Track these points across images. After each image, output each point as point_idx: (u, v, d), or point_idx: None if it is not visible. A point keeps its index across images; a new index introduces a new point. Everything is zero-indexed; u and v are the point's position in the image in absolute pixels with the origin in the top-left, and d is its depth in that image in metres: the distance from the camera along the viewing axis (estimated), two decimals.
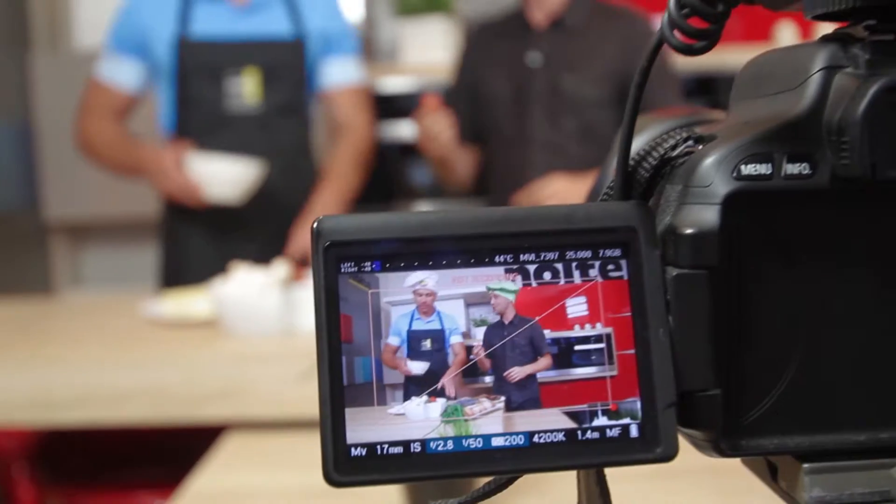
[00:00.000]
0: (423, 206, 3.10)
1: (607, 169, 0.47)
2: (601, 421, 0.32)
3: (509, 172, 2.08)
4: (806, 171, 0.33)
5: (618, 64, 1.99)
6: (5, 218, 3.11)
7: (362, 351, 0.32)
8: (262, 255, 1.95)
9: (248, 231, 2.05)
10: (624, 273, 0.33)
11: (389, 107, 3.08)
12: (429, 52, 3.08)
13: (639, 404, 0.32)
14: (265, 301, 1.53)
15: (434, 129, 1.99)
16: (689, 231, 0.32)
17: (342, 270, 0.32)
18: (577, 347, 0.33)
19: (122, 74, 2.05)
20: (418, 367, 0.32)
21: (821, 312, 0.34)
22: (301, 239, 1.92)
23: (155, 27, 2.01)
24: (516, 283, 0.32)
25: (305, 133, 2.15)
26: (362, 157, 2.14)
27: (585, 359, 0.33)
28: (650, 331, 0.33)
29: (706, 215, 0.32)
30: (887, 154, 0.31)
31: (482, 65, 2.15)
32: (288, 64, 2.07)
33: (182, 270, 2.02)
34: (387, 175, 3.12)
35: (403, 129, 3.07)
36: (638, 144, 0.47)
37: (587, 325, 0.33)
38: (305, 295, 1.54)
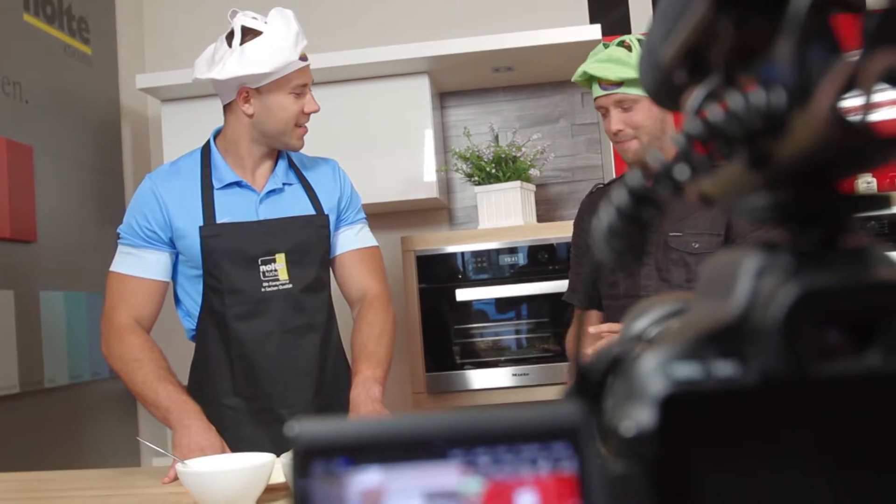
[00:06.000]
0: (499, 366, 3.12)
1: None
2: None
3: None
4: (737, 373, 0.35)
5: (724, 215, 2.01)
6: (97, 384, 3.24)
7: None
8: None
9: (284, 404, 2.10)
10: (571, 471, 0.35)
11: (468, 271, 3.15)
12: (504, 217, 3.17)
13: None
14: None
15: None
16: (627, 433, 0.35)
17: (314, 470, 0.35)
18: None
19: (151, 266, 2.07)
20: None
21: None
22: None
23: (180, 218, 2.06)
24: (475, 480, 0.35)
25: (331, 307, 2.21)
26: (388, 325, 2.15)
27: None
28: None
29: (644, 417, 0.35)
30: (810, 354, 0.34)
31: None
32: (312, 242, 2.13)
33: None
34: (464, 337, 3.16)
35: (479, 293, 3.13)
36: (640, 325, 0.50)
37: None
38: None
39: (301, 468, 0.35)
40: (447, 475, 0.35)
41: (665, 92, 0.59)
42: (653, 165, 0.35)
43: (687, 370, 0.35)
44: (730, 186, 0.37)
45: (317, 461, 0.35)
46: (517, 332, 3.17)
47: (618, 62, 2.02)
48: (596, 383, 0.38)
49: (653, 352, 0.36)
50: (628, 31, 3.50)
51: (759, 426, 0.36)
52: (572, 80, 2.14)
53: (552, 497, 0.35)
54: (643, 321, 0.48)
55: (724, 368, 0.35)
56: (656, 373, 0.35)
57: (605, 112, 2.08)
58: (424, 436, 0.36)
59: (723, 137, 0.33)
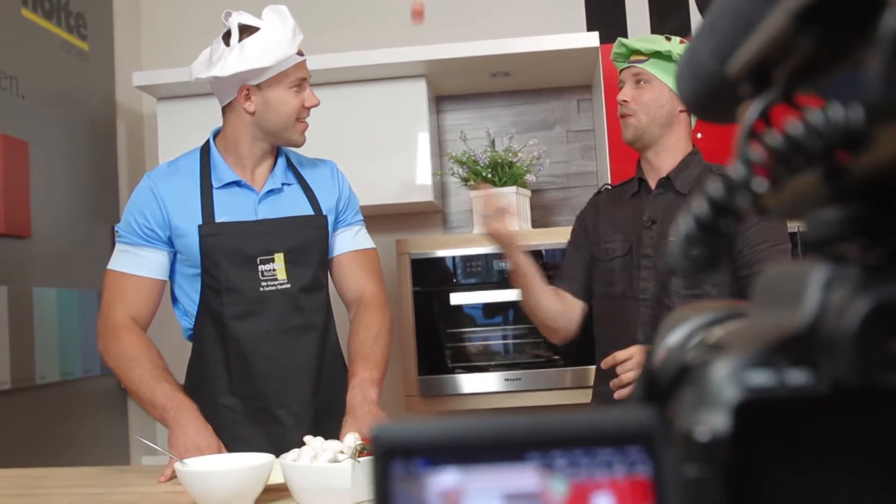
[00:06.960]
0: (491, 370, 3.12)
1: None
2: None
3: (619, 327, 2.14)
4: (808, 381, 0.36)
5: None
6: (88, 381, 3.22)
7: None
8: (294, 427, 2.01)
9: (281, 404, 2.10)
10: (646, 474, 0.36)
11: (462, 275, 3.16)
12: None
13: None
14: (336, 472, 1.55)
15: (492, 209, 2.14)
16: (701, 438, 0.35)
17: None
18: None
19: (149, 264, 2.07)
20: None
21: None
22: (349, 433, 1.69)
23: (179, 217, 2.06)
24: (560, 481, 0.36)
25: (329, 307, 2.22)
26: (385, 328, 2.15)
27: None
28: None
29: (718, 423, 0.36)
30: (880, 365, 0.35)
31: (600, 224, 2.27)
32: (311, 242, 2.13)
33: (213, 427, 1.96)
34: (457, 341, 3.17)
35: (472, 297, 3.13)
36: (679, 335, 0.50)
37: None
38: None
39: (381, 469, 0.36)
40: (525, 477, 0.36)
41: (706, 103, 0.60)
42: (734, 177, 0.35)
43: (760, 377, 0.36)
44: (800, 200, 0.38)
45: (396, 462, 0.36)
46: (509, 337, 3.18)
47: (656, 42, 2.19)
48: (664, 389, 0.39)
49: (725, 359, 0.37)
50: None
51: (830, 434, 0.37)
52: (611, 56, 2.30)
53: (628, 500, 0.36)
54: (683, 330, 0.49)
55: (797, 377, 0.36)
56: (730, 380, 0.36)
57: (622, 86, 2.24)
58: (502, 438, 0.36)
59: (801, 151, 0.34)
